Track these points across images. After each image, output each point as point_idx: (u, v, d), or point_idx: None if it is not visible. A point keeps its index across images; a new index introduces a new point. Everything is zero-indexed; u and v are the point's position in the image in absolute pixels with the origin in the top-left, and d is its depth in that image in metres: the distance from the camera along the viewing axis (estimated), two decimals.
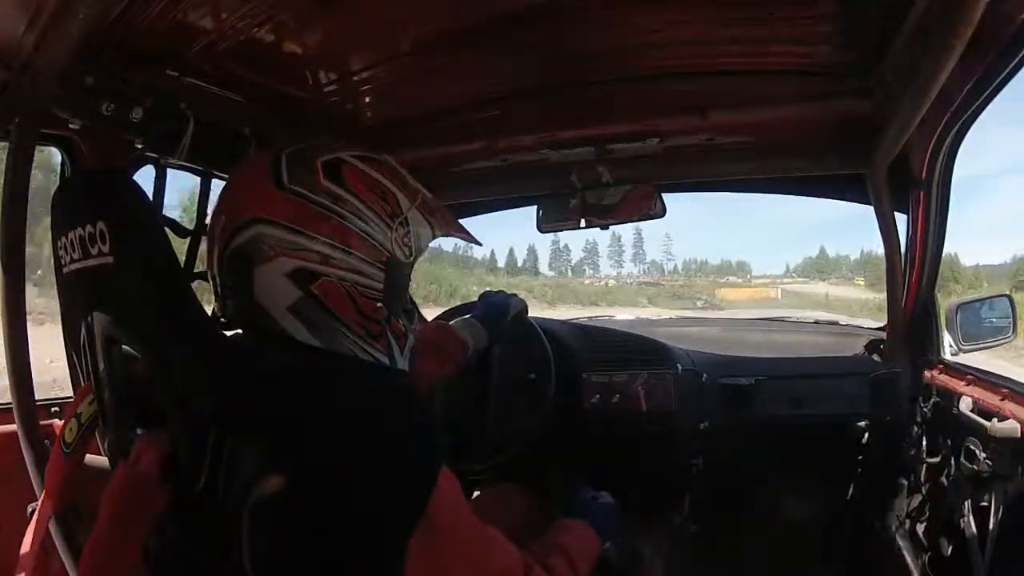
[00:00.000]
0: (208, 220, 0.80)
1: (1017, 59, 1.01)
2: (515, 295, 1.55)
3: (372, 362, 0.78)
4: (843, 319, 2.28)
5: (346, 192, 0.75)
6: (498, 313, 1.47)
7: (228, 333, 0.80)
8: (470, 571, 0.73)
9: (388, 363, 0.80)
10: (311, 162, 0.75)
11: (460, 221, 0.92)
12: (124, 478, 0.72)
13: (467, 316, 1.45)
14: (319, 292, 0.73)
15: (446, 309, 1.85)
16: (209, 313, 0.79)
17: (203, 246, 0.94)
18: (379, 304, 0.77)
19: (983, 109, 1.21)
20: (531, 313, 1.63)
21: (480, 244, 1.01)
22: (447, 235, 0.88)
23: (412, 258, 0.82)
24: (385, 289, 0.78)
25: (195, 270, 1.24)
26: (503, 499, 1.37)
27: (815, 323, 2.33)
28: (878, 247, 1.67)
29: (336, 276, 0.74)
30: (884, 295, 1.68)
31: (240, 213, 0.74)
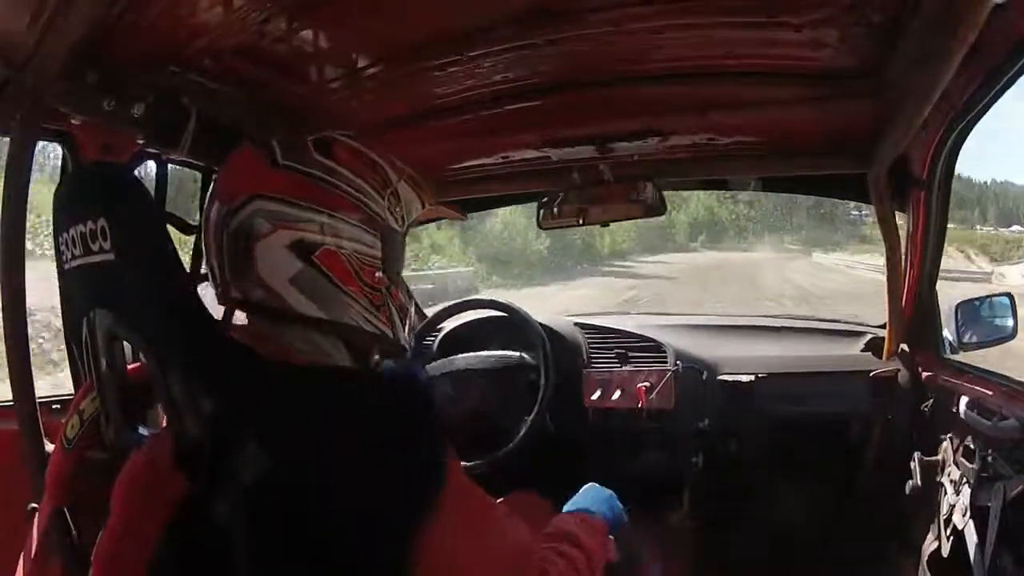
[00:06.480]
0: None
1: (1021, 63, 1.01)
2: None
3: (375, 333, 0.80)
4: (845, 318, 2.28)
5: (337, 164, 0.78)
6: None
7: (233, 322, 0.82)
8: (481, 555, 0.71)
9: (392, 335, 0.83)
10: (302, 141, 0.78)
11: None
12: (139, 468, 0.72)
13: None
14: (320, 262, 0.75)
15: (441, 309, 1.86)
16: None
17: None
18: (379, 273, 0.80)
19: (985, 111, 1.21)
20: None
21: (464, 218, 1.03)
22: (433, 205, 0.93)
23: (405, 227, 0.85)
24: (383, 256, 0.81)
25: (201, 270, 1.25)
26: (518, 506, 1.36)
27: (817, 321, 2.33)
28: None
29: (335, 244, 0.76)
30: None
31: (237, 194, 0.76)
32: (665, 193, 1.71)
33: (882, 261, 1.60)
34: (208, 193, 0.81)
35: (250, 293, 0.76)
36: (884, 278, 1.60)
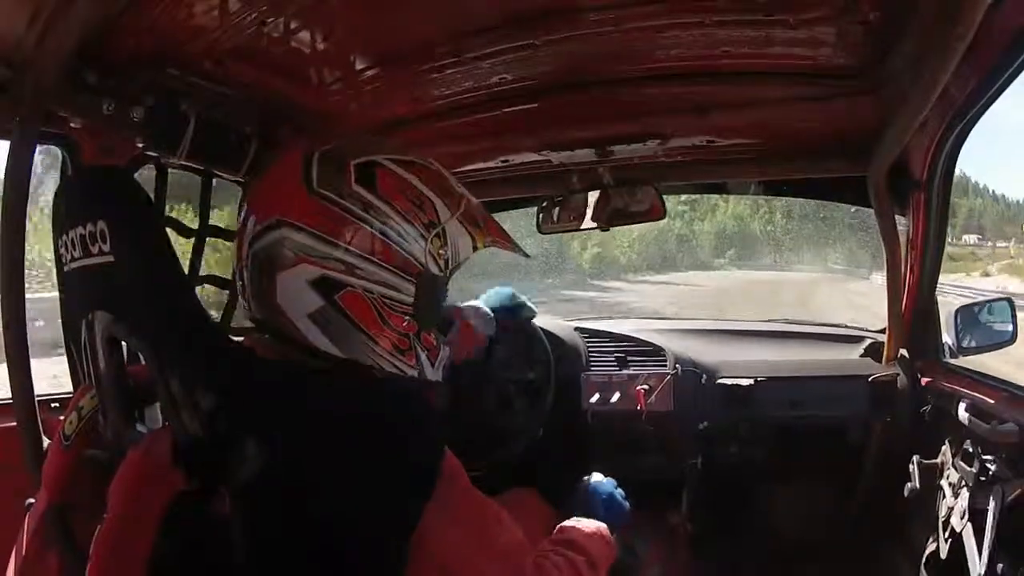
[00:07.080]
0: (236, 221, 0.81)
1: (1018, 62, 1.01)
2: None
3: (395, 373, 0.76)
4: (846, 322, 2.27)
5: (377, 199, 0.72)
6: (508, 310, 1.50)
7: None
8: (475, 553, 0.71)
9: (417, 375, 0.78)
10: (344, 163, 0.73)
11: None
12: (137, 464, 0.73)
13: (475, 304, 1.46)
14: (343, 303, 0.71)
15: None
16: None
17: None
18: (408, 319, 0.75)
19: (984, 111, 1.21)
20: None
21: (528, 256, 0.93)
22: (491, 246, 0.84)
23: (448, 271, 0.79)
24: (416, 303, 0.75)
25: (200, 272, 1.25)
26: (516, 503, 1.36)
27: (818, 325, 2.33)
28: None
29: (362, 287, 0.72)
30: None
31: (266, 214, 0.72)
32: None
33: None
34: (248, 200, 0.79)
35: (269, 318, 0.75)
36: None
